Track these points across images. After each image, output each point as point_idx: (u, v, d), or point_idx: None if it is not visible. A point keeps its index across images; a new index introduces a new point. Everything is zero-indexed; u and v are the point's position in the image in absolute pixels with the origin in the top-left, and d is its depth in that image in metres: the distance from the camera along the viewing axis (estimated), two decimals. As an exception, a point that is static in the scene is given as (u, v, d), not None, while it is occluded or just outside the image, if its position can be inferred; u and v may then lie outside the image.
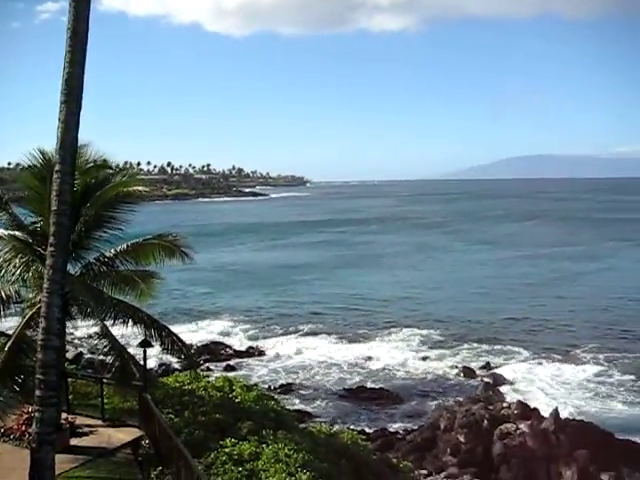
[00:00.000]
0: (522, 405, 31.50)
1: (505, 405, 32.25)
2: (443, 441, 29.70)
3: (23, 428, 14.94)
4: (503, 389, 38.71)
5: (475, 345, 47.95)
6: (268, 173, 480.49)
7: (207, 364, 43.58)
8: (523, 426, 28.93)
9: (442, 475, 26.67)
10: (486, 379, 40.29)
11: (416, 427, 33.00)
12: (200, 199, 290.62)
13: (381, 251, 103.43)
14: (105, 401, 17.25)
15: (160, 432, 14.58)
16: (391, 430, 33.21)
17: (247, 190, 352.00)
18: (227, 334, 52.44)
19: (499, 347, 47.24)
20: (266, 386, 38.00)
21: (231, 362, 44.96)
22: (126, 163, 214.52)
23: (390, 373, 42.81)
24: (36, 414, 11.95)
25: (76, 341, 45.84)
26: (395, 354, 46.25)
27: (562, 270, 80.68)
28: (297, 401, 37.51)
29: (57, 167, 12.12)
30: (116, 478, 13.86)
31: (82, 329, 38.18)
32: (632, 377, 40.21)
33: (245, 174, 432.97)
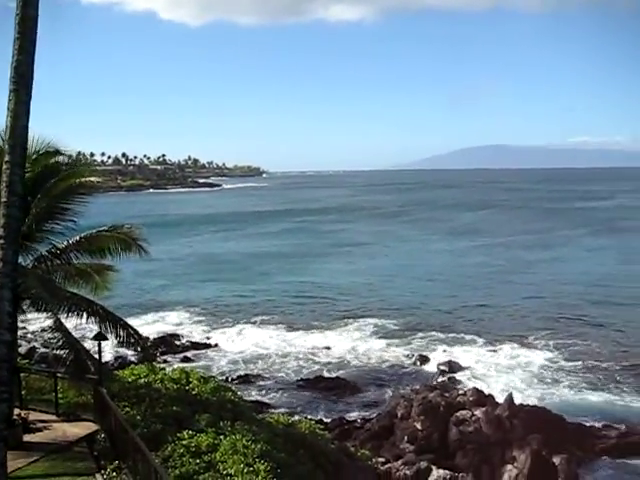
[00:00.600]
0: (477, 392, 32.08)
1: (461, 392, 32.83)
2: (400, 429, 30.09)
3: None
4: (459, 376, 39.44)
5: (431, 333, 48.58)
6: (224, 164, 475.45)
7: (164, 356, 43.31)
8: (478, 412, 29.49)
9: (399, 462, 26.94)
10: (442, 367, 40.95)
11: (373, 415, 33.35)
12: (155, 190, 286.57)
13: (338, 241, 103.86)
14: (59, 396, 17.01)
15: (116, 426, 14.43)
16: (349, 419, 33.53)
17: (202, 181, 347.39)
18: (184, 326, 52.18)
19: (454, 335, 47.92)
20: (223, 377, 37.93)
21: (188, 354, 44.75)
22: (79, 153, 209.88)
23: (347, 362, 43.10)
24: (-13, 410, 11.67)
25: (29, 335, 45.05)
26: (352, 343, 46.59)
27: (516, 259, 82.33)
28: (255, 392, 37.53)
29: (6, 157, 11.83)
30: (72, 474, 13.66)
31: (35, 323, 37.89)
32: (581, 363, 41.49)
33: (201, 165, 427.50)
